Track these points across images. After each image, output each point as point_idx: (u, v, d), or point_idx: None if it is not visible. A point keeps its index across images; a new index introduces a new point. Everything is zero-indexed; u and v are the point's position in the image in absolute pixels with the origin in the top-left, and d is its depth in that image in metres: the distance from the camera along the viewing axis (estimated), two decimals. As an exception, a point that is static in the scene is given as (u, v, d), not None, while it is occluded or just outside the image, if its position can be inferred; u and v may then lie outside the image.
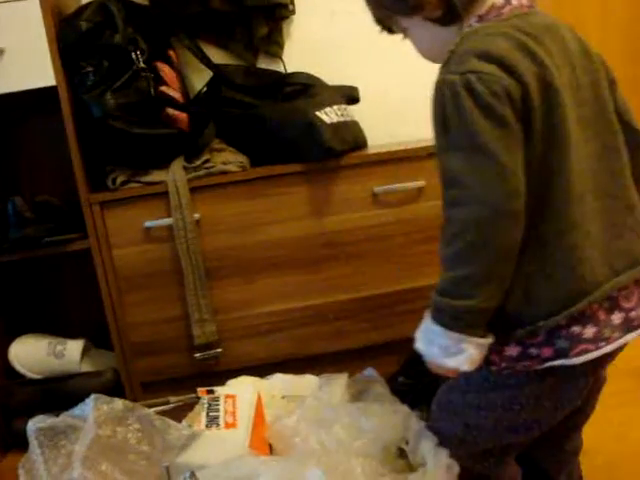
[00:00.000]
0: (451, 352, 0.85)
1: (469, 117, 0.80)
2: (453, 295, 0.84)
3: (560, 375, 0.90)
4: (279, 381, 1.45)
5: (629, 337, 0.88)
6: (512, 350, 0.89)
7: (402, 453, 1.15)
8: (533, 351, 0.88)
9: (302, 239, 1.57)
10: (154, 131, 1.52)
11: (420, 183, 1.57)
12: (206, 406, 1.28)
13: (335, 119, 1.55)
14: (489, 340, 0.87)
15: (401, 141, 1.82)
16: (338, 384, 1.25)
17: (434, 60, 0.96)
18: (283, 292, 1.59)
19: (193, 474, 0.87)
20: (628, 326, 0.88)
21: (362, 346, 1.60)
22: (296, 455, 1.06)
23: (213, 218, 1.54)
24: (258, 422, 1.25)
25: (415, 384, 1.38)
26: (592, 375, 0.93)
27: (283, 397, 1.40)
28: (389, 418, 1.11)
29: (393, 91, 2.00)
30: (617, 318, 0.87)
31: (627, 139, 0.93)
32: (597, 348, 0.86)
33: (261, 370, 1.49)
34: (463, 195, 0.82)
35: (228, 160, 1.58)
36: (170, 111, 1.55)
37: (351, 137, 1.60)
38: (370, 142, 1.76)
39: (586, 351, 0.86)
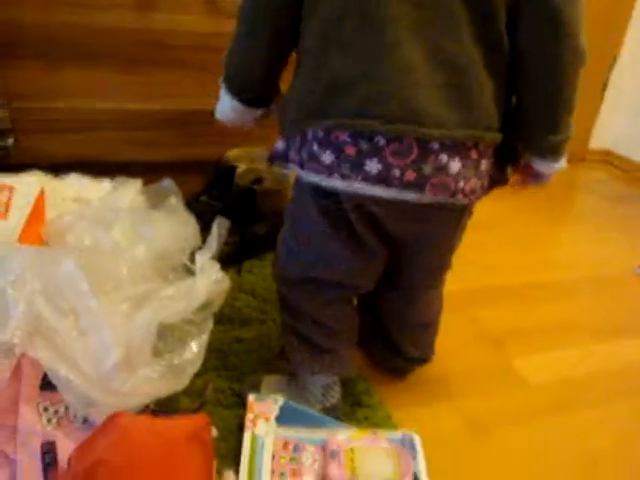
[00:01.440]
0: (219, 102, 1.04)
1: None
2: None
3: (327, 202, 0.89)
4: (73, 182, 1.35)
5: (376, 191, 0.82)
6: (280, 144, 0.90)
7: (184, 266, 1.13)
8: (291, 153, 0.88)
9: (122, 32, 1.40)
10: None
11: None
12: (-24, 192, 1.16)
13: None
14: (243, 106, 1.00)
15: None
16: (130, 189, 1.18)
17: None
18: (93, 89, 1.44)
19: None
20: (382, 179, 0.80)
21: (167, 160, 1.52)
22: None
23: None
24: (35, 218, 1.16)
25: (217, 205, 1.35)
26: (358, 217, 0.89)
27: (74, 200, 1.31)
28: (173, 228, 1.07)
29: None
30: (370, 165, 0.80)
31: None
32: (329, 176, 0.82)
33: (57, 170, 1.37)
34: None
35: None
36: None
37: None
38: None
39: (317, 172, 0.84)
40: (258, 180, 1.37)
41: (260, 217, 1.37)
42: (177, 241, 1.03)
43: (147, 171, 1.48)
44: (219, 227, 1.00)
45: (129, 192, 1.17)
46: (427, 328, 1.15)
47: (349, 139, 0.80)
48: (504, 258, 1.76)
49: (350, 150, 0.80)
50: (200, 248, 1.07)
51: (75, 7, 1.36)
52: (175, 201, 1.17)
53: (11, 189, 1.19)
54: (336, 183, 0.83)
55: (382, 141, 0.79)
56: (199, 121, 1.52)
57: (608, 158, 2.76)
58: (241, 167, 1.37)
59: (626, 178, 2.63)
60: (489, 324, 1.42)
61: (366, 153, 0.80)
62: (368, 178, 0.80)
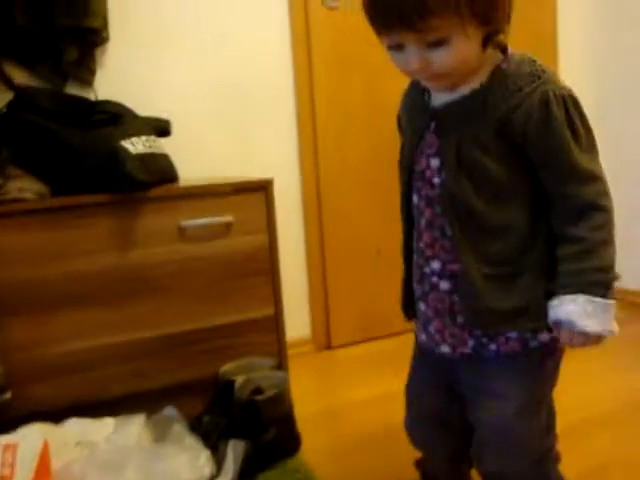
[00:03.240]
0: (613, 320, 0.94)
1: (588, 124, 0.94)
2: (614, 270, 0.93)
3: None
4: (74, 426, 1.35)
5: None
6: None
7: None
8: None
9: (104, 273, 1.49)
10: None
11: (228, 218, 1.56)
12: (-19, 458, 1.15)
13: (142, 150, 1.50)
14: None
15: (210, 176, 1.83)
16: (134, 425, 1.19)
17: (460, 71, 0.92)
18: (83, 330, 1.49)
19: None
20: None
21: (165, 386, 1.53)
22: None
23: (6, 249, 1.41)
24: (42, 472, 1.15)
25: (221, 422, 1.35)
26: None
27: (78, 443, 1.30)
28: (184, 458, 1.07)
29: (204, 126, 2.01)
30: None
31: None
32: None
33: (56, 415, 1.37)
34: (606, 188, 0.94)
35: (24, 187, 1.47)
36: (-43, 135, 1.42)
37: (158, 169, 1.55)
38: (183, 176, 1.73)
39: None
40: (257, 390, 1.39)
41: (266, 426, 1.36)
42: (191, 471, 1.03)
43: (146, 399, 1.49)
44: (234, 450, 1.00)
45: (134, 428, 1.18)
46: None
47: None
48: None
49: None
50: (215, 472, 1.06)
51: (59, 259, 1.45)
52: (180, 428, 1.18)
53: (14, 448, 1.19)
54: None
55: None
56: (186, 342, 1.57)
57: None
58: (239, 380, 1.39)
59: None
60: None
61: None
62: None
